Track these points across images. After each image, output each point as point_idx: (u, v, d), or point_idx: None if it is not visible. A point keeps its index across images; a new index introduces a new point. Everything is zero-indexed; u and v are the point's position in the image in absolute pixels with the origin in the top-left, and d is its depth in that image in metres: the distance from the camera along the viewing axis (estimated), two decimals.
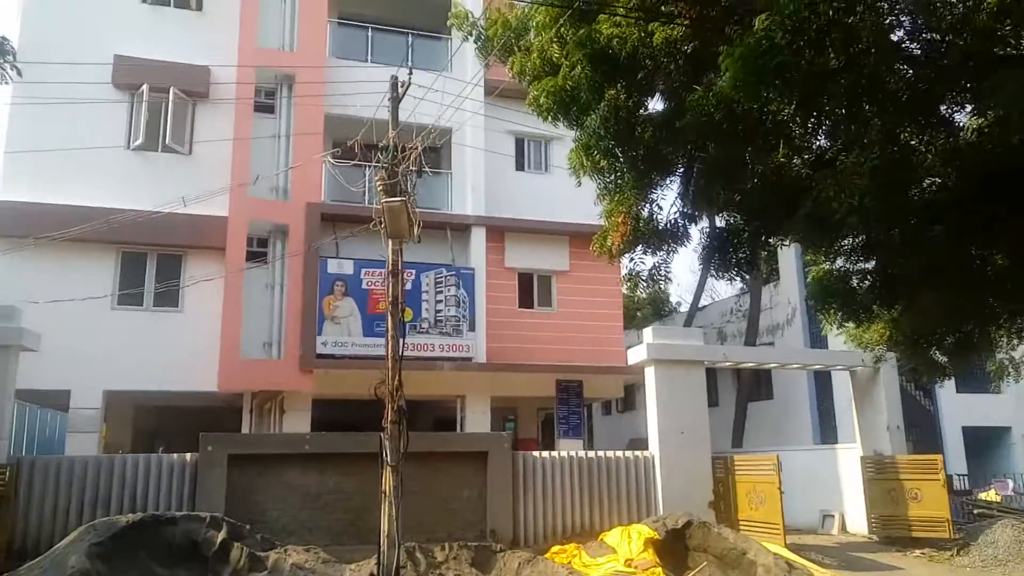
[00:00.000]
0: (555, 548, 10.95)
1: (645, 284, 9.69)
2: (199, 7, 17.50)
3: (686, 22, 7.19)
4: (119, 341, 15.14)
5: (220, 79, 16.69)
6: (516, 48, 8.83)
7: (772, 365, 16.42)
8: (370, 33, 18.67)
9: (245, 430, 15.91)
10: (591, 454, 13.13)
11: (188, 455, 11.37)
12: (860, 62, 6.14)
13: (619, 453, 13.25)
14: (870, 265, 9.39)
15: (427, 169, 11.63)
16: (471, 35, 9.53)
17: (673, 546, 10.49)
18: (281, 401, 16.08)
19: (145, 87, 16.30)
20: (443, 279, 16.81)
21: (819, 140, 8.28)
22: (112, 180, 15.82)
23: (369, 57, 18.16)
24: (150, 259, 16.26)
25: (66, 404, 15.07)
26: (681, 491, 12.57)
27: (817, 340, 20.04)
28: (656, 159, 8.38)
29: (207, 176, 15.70)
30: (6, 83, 10.03)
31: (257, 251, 16.61)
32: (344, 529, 11.38)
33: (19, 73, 10.30)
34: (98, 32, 16.28)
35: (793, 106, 6.67)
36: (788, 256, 21.62)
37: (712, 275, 10.77)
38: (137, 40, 16.56)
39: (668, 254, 9.47)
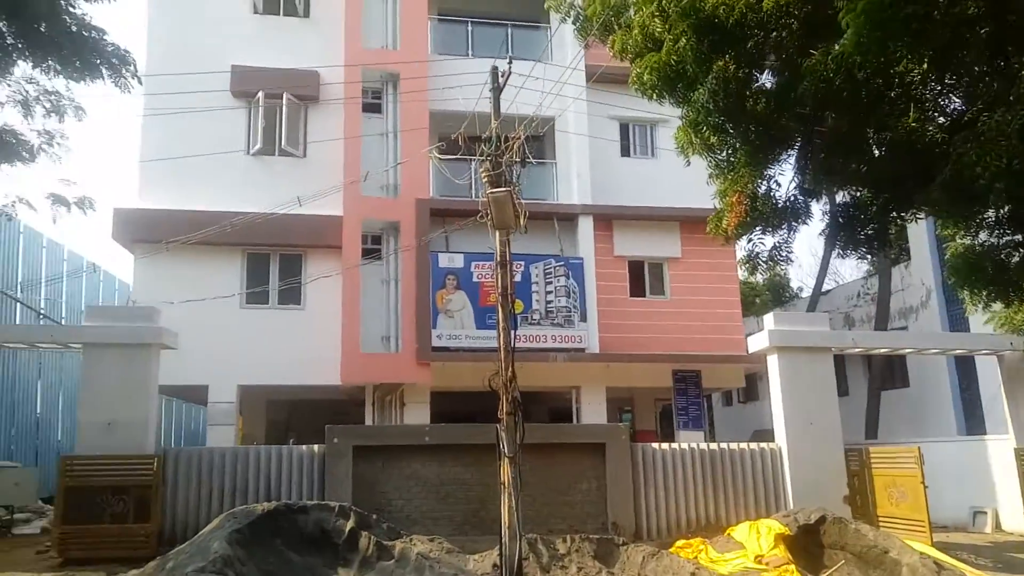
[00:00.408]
0: (680, 542, 10.63)
1: (765, 266, 9.21)
2: (306, 13, 18.11)
3: None
4: (248, 338, 15.91)
5: (329, 80, 17.22)
6: (616, 26, 8.56)
7: (907, 351, 15.29)
8: (470, 27, 18.79)
9: (368, 422, 16.38)
10: (713, 446, 12.69)
11: (316, 446, 11.81)
12: (1006, 7, 5.52)
13: (744, 445, 12.73)
14: (1020, 237, 8.52)
15: (531, 158, 11.54)
16: (568, 16, 9.33)
17: (806, 543, 9.94)
18: (401, 394, 16.48)
19: (260, 94, 17.02)
20: (552, 270, 16.71)
21: (955, 101, 7.56)
22: (235, 184, 16.60)
23: (470, 51, 18.27)
24: (273, 259, 17.01)
25: (205, 398, 16.07)
26: (812, 485, 11.93)
27: (957, 322, 18.55)
28: (771, 133, 7.92)
29: (321, 176, 16.20)
30: (128, 91, 10.67)
31: (371, 248, 17.06)
32: (466, 519, 11.51)
33: (140, 82, 10.95)
34: (215, 44, 17.09)
35: (925, 64, 6.08)
36: (919, 233, 20.10)
37: (837, 255, 10.07)
38: (251, 49, 17.29)
39: (789, 233, 8.97)
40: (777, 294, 32.64)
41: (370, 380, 16.32)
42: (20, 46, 10.09)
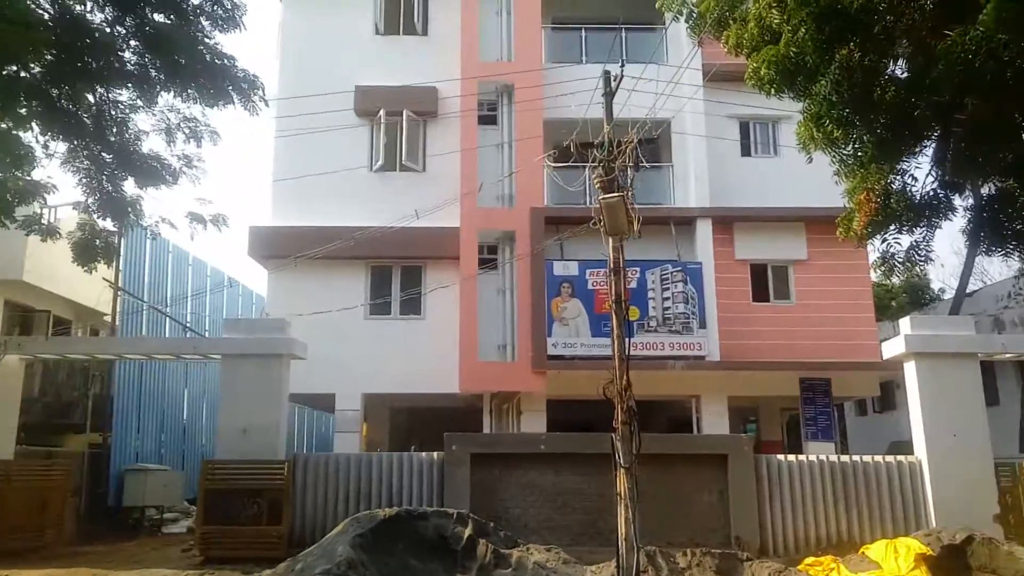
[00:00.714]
0: (809, 560, 10.05)
1: (901, 268, 8.58)
2: (425, 31, 18.61)
3: None
4: (372, 348, 16.46)
5: (446, 95, 17.62)
6: (730, 20, 8.26)
7: None
8: (583, 33, 18.77)
9: (486, 430, 16.57)
10: (845, 458, 11.95)
11: (435, 454, 12.03)
12: None
13: (878, 458, 11.91)
14: None
15: (644, 162, 11.32)
16: (681, 15, 9.08)
17: (950, 565, 9.14)
18: (518, 402, 16.56)
19: (382, 112, 17.64)
20: (669, 275, 16.30)
21: None
22: (359, 200, 17.22)
23: (584, 57, 18.22)
24: (395, 271, 17.55)
25: (333, 406, 16.76)
26: (957, 502, 10.98)
27: None
28: (903, 123, 7.38)
29: (440, 190, 16.55)
30: (256, 114, 11.30)
31: (488, 258, 17.28)
32: (583, 530, 11.38)
33: (267, 104, 11.59)
34: (341, 66, 17.85)
35: None
36: None
37: (982, 253, 9.26)
38: (373, 69, 17.96)
39: (928, 231, 8.32)
40: (916, 296, 30.54)
41: (487, 388, 16.49)
42: (163, 78, 10.92)
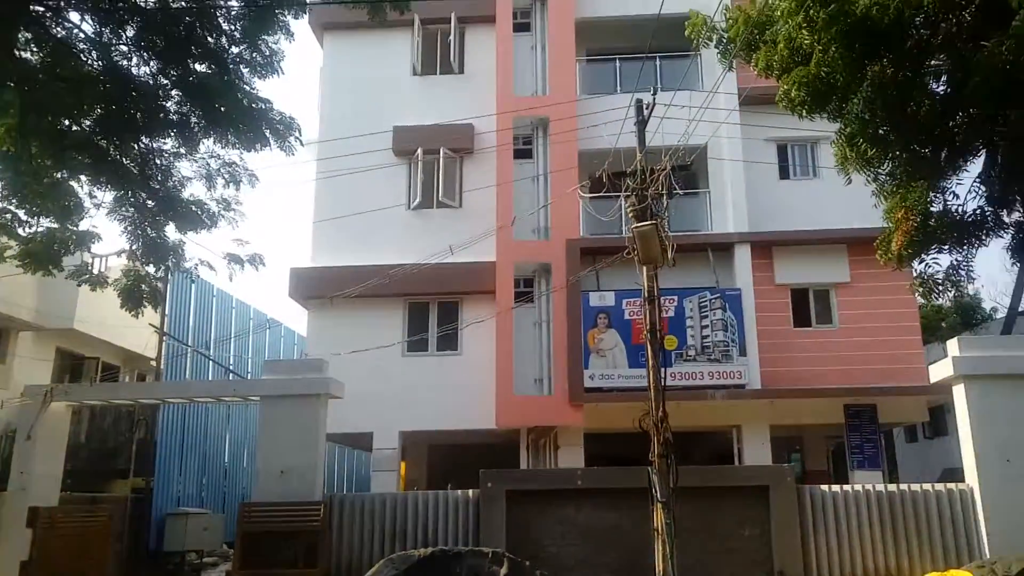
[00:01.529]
0: None
1: (941, 289, 8.31)
2: (461, 70, 18.86)
3: None
4: (410, 385, 16.44)
5: (482, 131, 17.80)
6: (760, 43, 8.20)
7: None
8: (617, 64, 18.80)
9: (523, 466, 16.34)
10: (892, 487, 11.46)
11: (471, 491, 11.85)
12: None
13: (927, 486, 11.39)
14: None
15: (677, 189, 11.23)
16: (711, 39, 9.06)
17: None
18: (555, 436, 16.34)
19: (419, 151, 17.85)
20: (707, 303, 16.05)
21: None
22: (397, 239, 17.36)
23: (618, 87, 18.23)
24: (432, 307, 17.58)
25: (370, 445, 16.73)
26: (1012, 531, 10.38)
27: None
28: (941, 139, 7.20)
29: (477, 224, 16.56)
30: (292, 154, 11.54)
31: (524, 291, 17.24)
32: (622, 567, 11.04)
33: (302, 144, 11.83)
34: (379, 107, 18.17)
35: None
36: None
37: None
38: (411, 109, 18.24)
39: (970, 250, 8.07)
40: (967, 317, 29.63)
41: (524, 423, 16.32)
42: (204, 125, 11.24)
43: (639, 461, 9.83)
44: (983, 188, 8.07)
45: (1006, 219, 7.85)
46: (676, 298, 15.78)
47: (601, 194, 13.68)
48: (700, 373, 15.70)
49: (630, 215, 10.53)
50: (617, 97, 16.40)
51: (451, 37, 18.58)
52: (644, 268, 10.35)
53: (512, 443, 16.97)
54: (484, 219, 16.87)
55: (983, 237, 7.94)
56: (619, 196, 12.28)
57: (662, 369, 9.90)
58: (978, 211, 7.89)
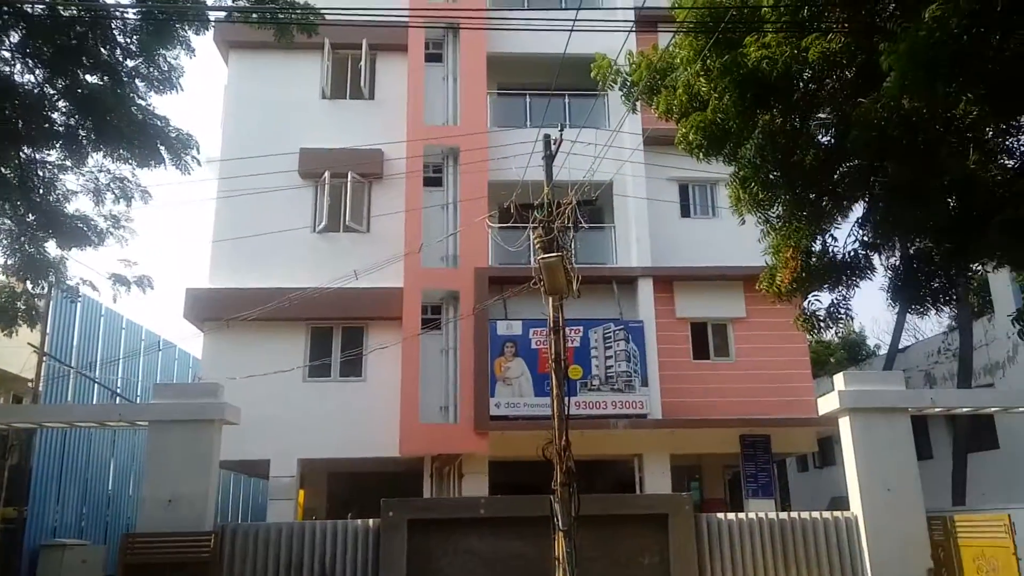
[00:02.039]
0: None
1: (822, 325, 8.81)
2: (371, 96, 18.76)
3: (844, 29, 6.55)
4: (310, 411, 16.04)
5: (392, 157, 17.73)
6: (661, 88, 8.54)
7: (993, 409, 14.26)
8: (527, 99, 19.16)
9: (427, 494, 16.16)
10: (783, 516, 11.96)
11: (371, 521, 11.59)
12: None
13: (815, 514, 11.95)
14: None
15: (583, 223, 11.51)
16: (615, 82, 9.37)
17: None
18: (459, 464, 16.24)
19: (327, 174, 17.58)
20: (611, 334, 16.40)
21: (1022, 140, 7.17)
22: (302, 262, 17.04)
23: (528, 122, 18.56)
24: (336, 332, 17.23)
25: (267, 472, 16.15)
26: (892, 557, 11.03)
27: None
28: (824, 186, 7.67)
29: (385, 250, 16.49)
30: (188, 173, 11.18)
31: (431, 318, 17.16)
32: None
33: (199, 164, 11.49)
34: (285, 128, 17.85)
35: (983, 103, 5.78)
36: (1002, 284, 19.08)
37: (909, 311, 9.56)
38: (319, 132, 18.01)
39: (847, 290, 8.58)
40: (852, 352, 31.37)
41: (429, 451, 16.16)
42: (93, 138, 10.73)
43: (543, 489, 9.88)
44: (862, 232, 8.57)
45: (877, 263, 8.39)
46: (581, 329, 16.07)
47: (509, 224, 13.90)
48: (604, 403, 15.98)
49: (537, 246, 10.71)
50: (526, 131, 16.71)
51: (362, 63, 18.50)
52: (550, 299, 10.52)
53: (416, 471, 16.75)
54: (392, 244, 16.77)
55: (856, 278, 8.45)
56: (527, 227, 12.49)
57: (567, 398, 10.04)
58: (853, 254, 8.39)
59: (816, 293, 8.41)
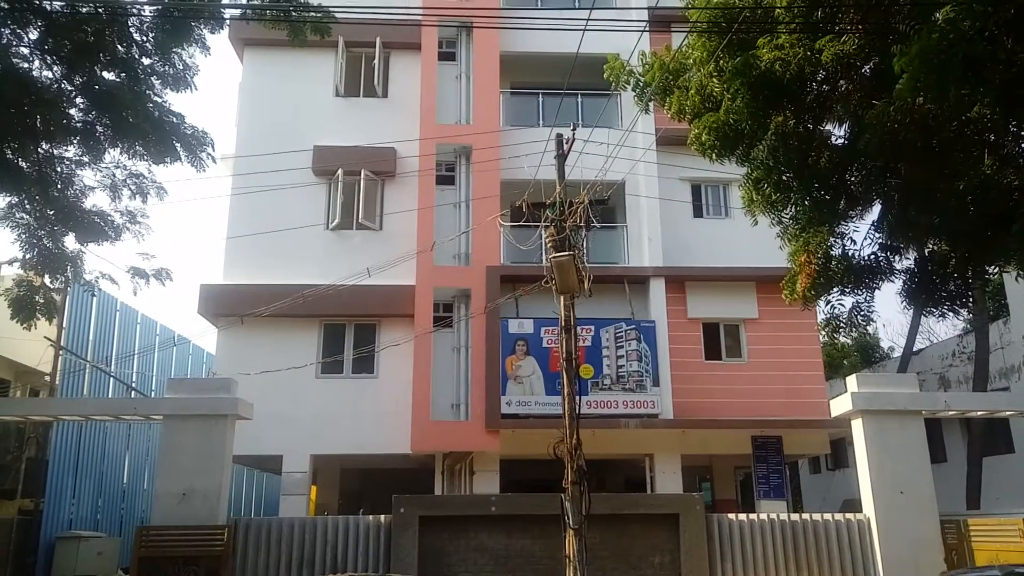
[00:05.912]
0: None
1: (845, 328, 8.78)
2: (384, 94, 18.82)
3: (858, 31, 6.52)
4: (323, 407, 16.15)
5: (404, 155, 17.79)
6: (674, 88, 8.53)
7: (1008, 413, 14.16)
8: (540, 98, 19.15)
9: (438, 491, 16.22)
10: (795, 517, 11.95)
11: (383, 517, 11.69)
12: None
13: (828, 516, 11.94)
14: None
15: (595, 222, 11.51)
16: (628, 83, 9.37)
17: None
18: (471, 462, 16.28)
19: (340, 172, 17.65)
20: (623, 334, 16.40)
21: None
22: (314, 259, 17.11)
23: (540, 121, 18.56)
24: (348, 329, 17.31)
25: (280, 468, 16.26)
26: (905, 560, 11.01)
27: None
28: (838, 188, 7.64)
29: (397, 248, 16.52)
30: (203, 170, 11.26)
31: (443, 316, 17.20)
32: None
33: (214, 161, 11.58)
34: (300, 126, 17.96)
35: (995, 106, 5.74)
36: (1018, 287, 18.92)
37: (924, 313, 9.52)
38: (332, 129, 18.10)
39: (868, 293, 8.54)
40: (866, 355, 31.17)
41: (440, 448, 16.22)
42: (110, 135, 10.84)
43: (554, 487, 9.92)
44: (878, 235, 8.54)
45: (897, 266, 8.34)
46: (593, 328, 16.07)
47: (521, 223, 13.91)
48: (615, 402, 15.98)
49: (549, 245, 10.73)
50: (539, 130, 16.71)
51: (376, 61, 18.57)
52: (561, 297, 10.54)
53: (427, 468, 16.83)
54: (404, 242, 16.83)
55: (877, 281, 8.40)
56: (539, 226, 12.51)
57: (578, 397, 10.07)
58: (872, 257, 8.35)
59: (839, 297, 8.35)
